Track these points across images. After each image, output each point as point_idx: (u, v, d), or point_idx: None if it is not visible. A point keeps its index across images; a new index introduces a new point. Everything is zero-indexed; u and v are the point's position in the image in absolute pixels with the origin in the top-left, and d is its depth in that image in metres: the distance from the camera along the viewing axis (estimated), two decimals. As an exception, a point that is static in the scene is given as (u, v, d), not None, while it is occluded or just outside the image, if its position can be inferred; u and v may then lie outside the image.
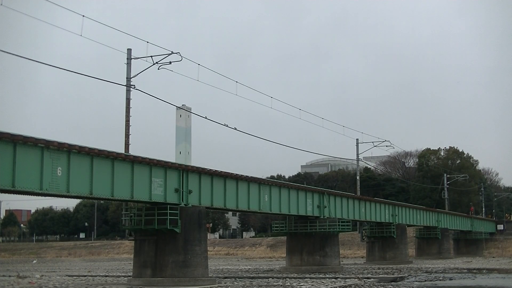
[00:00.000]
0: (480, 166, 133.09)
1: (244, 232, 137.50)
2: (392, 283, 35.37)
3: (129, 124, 35.97)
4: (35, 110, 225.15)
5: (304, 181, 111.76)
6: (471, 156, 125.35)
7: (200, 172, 35.46)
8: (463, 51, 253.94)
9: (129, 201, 32.83)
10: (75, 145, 27.26)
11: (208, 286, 32.48)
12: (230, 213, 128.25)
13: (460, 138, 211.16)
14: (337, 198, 52.81)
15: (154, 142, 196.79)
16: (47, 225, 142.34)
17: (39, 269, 63.86)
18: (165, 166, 32.92)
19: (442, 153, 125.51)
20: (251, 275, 42.77)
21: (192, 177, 34.87)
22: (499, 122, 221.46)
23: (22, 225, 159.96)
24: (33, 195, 27.59)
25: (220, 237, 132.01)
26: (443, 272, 45.96)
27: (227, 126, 40.14)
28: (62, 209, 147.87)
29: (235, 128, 41.04)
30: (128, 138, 35.91)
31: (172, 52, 36.36)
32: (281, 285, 32.87)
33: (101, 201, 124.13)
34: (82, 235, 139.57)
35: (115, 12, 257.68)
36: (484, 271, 47.38)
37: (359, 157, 70.34)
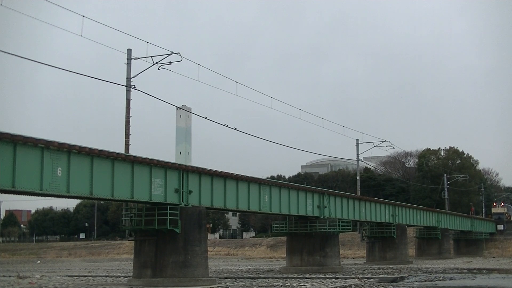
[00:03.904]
0: (480, 166, 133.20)
1: (244, 232, 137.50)
2: (392, 283, 35.34)
3: (129, 124, 35.98)
4: (35, 110, 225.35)
5: (304, 181, 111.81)
6: (471, 156, 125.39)
7: (200, 172, 35.45)
8: (462, 51, 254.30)
9: (129, 202, 32.82)
10: (75, 146, 27.25)
11: (208, 286, 32.47)
12: (230, 213, 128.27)
13: (460, 138, 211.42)
14: (337, 198, 52.80)
15: (154, 142, 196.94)
16: (47, 226, 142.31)
17: (39, 269, 63.85)
18: (165, 166, 32.92)
19: (442, 153, 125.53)
20: (251, 276, 42.76)
21: (192, 177, 34.86)
22: (499, 122, 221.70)
23: (22, 225, 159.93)
24: (33, 195, 27.57)
25: (220, 237, 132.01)
26: (443, 272, 45.94)
27: (227, 126, 40.16)
28: (62, 210, 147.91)
29: (235, 128, 41.08)
30: (128, 138, 35.92)
31: (172, 52, 36.37)
32: (281, 285, 32.86)
33: (101, 202, 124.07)
34: (82, 236, 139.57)
35: (115, 12, 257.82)
36: (484, 271, 47.37)
37: (359, 157, 70.39)
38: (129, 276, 37.93)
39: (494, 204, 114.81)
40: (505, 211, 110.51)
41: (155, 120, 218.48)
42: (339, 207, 52.72)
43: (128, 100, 36.13)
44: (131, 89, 35.90)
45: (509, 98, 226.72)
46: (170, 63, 36.83)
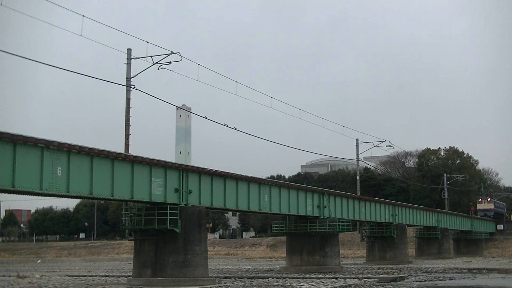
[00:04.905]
0: (480, 166, 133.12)
1: (244, 232, 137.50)
2: (392, 283, 35.35)
3: (129, 124, 36.00)
4: (35, 110, 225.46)
5: (304, 181, 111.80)
6: (471, 156, 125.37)
7: (200, 172, 35.44)
8: (462, 51, 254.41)
9: (129, 201, 32.82)
10: (75, 145, 27.25)
11: (208, 286, 32.46)
12: (230, 213, 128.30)
13: (460, 138, 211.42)
14: (337, 198, 52.79)
15: (154, 142, 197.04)
16: (47, 225, 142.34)
17: (39, 269, 63.85)
18: (165, 166, 32.91)
19: (442, 153, 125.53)
20: (251, 275, 42.75)
21: (192, 177, 34.85)
22: (499, 122, 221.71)
23: (22, 225, 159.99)
24: (33, 195, 27.58)
25: (220, 237, 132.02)
26: (443, 272, 45.95)
27: (227, 126, 40.15)
28: (62, 209, 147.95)
29: (235, 128, 41.07)
30: (128, 138, 35.94)
31: (172, 52, 36.38)
32: (281, 285, 32.85)
33: (101, 201, 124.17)
34: (82, 235, 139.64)
35: (115, 12, 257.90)
36: (484, 271, 47.37)
37: (359, 157, 70.43)
38: (129, 276, 37.94)
39: (480, 199, 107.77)
40: (492, 207, 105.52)
41: (155, 120, 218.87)
42: (339, 207, 52.71)
43: (128, 100, 36.14)
44: (131, 89, 35.91)
45: (509, 98, 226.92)
46: (170, 63, 36.85)
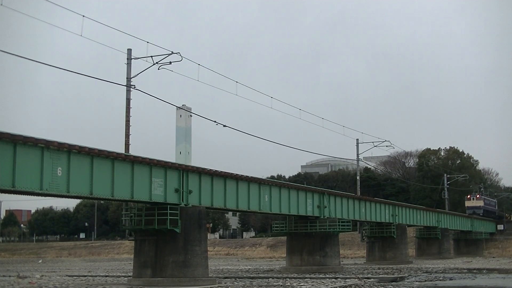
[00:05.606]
0: (480, 166, 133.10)
1: (244, 232, 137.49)
2: (392, 283, 35.35)
3: (129, 124, 36.00)
4: (35, 110, 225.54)
5: (304, 181, 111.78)
6: (471, 156, 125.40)
7: (200, 172, 35.44)
8: (462, 51, 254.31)
9: (129, 201, 32.81)
10: (75, 145, 27.24)
11: (208, 286, 32.46)
12: (230, 213, 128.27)
13: (460, 138, 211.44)
14: (337, 198, 52.79)
15: (154, 142, 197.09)
16: (47, 225, 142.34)
17: (39, 269, 63.84)
18: (165, 166, 32.91)
19: (442, 153, 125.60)
20: (251, 275, 42.74)
21: (192, 177, 34.85)
22: (499, 122, 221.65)
23: (22, 225, 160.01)
24: (33, 195, 27.57)
25: (220, 237, 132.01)
26: (443, 272, 45.94)
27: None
28: (62, 209, 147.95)
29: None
30: (128, 138, 35.94)
31: (172, 52, 36.39)
32: (281, 285, 32.84)
33: (101, 201, 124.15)
34: (82, 235, 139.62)
35: (115, 12, 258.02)
36: (484, 271, 47.36)
37: (359, 157, 70.43)
38: (129, 276, 37.93)
39: (468, 196, 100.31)
40: (482, 204, 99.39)
41: (155, 120, 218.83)
42: (339, 207, 52.71)
43: (128, 100, 36.14)
44: (131, 89, 35.92)
45: (509, 98, 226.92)
46: (170, 63, 36.86)
